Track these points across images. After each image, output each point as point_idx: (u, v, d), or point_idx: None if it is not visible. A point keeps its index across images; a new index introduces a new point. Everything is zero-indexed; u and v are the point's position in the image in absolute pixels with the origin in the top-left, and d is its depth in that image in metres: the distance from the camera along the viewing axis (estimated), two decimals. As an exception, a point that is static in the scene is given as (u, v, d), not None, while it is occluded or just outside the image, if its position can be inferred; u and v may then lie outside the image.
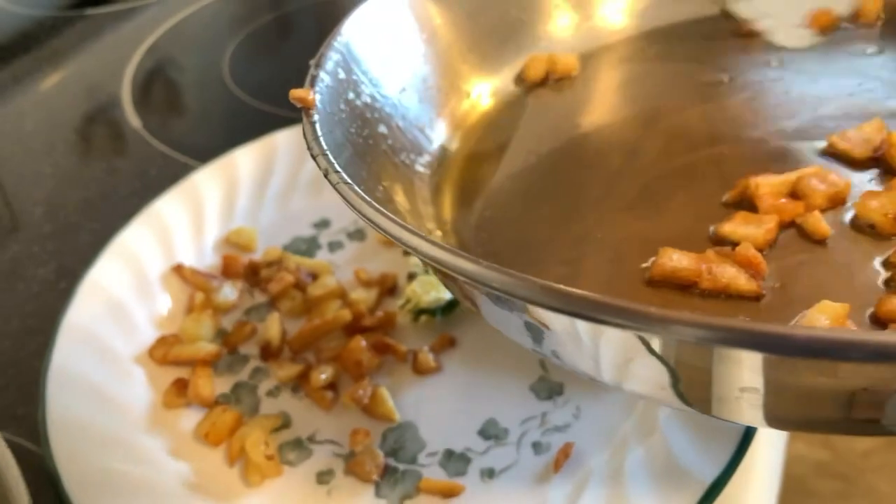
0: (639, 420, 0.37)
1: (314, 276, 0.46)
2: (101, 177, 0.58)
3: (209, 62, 0.71)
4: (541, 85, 0.45)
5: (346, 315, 0.43)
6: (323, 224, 0.51)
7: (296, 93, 0.34)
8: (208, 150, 0.60)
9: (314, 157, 0.32)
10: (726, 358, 0.23)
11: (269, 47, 0.75)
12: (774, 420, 0.26)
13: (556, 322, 0.26)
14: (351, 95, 0.38)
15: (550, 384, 0.40)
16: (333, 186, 0.30)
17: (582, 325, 0.25)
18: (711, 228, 0.33)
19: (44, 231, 0.54)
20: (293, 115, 0.59)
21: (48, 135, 0.63)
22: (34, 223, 0.55)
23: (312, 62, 0.37)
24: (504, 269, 0.23)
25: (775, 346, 0.20)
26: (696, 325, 0.20)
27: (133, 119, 0.64)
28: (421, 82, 0.43)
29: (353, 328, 0.43)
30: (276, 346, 0.43)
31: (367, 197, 0.29)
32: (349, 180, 0.30)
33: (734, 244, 0.30)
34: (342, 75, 0.38)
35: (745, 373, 0.23)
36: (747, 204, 0.33)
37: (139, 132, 0.63)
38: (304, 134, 0.33)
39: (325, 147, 0.32)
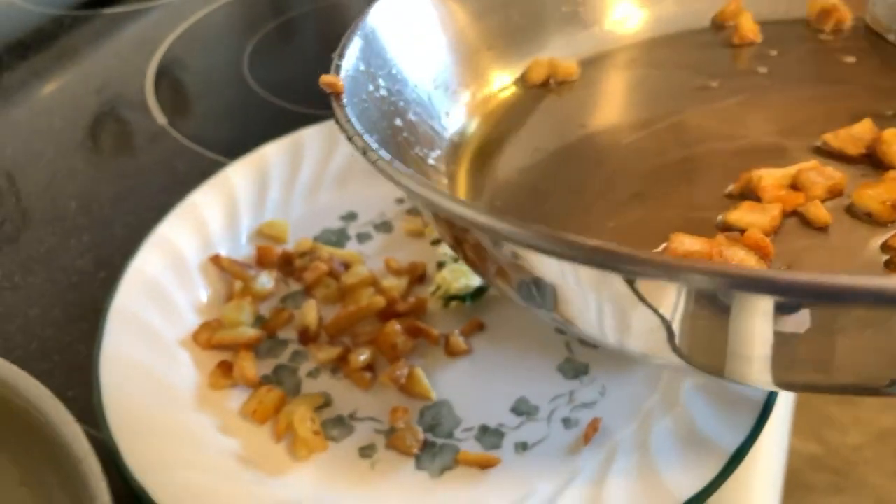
0: (662, 395, 0.40)
1: (346, 266, 0.49)
2: (131, 172, 0.60)
3: (229, 60, 0.73)
4: (542, 87, 0.48)
5: (381, 301, 0.45)
6: (350, 216, 0.53)
7: (326, 78, 0.36)
8: (233, 145, 0.62)
9: (350, 139, 0.33)
10: (742, 310, 0.25)
11: (288, 45, 0.77)
12: (783, 381, 0.28)
13: (610, 287, 0.27)
14: (371, 87, 0.40)
15: (576, 365, 0.43)
16: (373, 164, 0.32)
17: (608, 284, 0.27)
18: (719, 217, 0.35)
19: (79, 223, 0.56)
20: (312, 111, 0.62)
21: (74, 131, 0.65)
22: (69, 216, 0.57)
23: (336, 53, 0.39)
24: (541, 225, 0.25)
25: (789, 290, 0.22)
26: (717, 273, 0.23)
27: (158, 116, 0.66)
28: (437, 75, 0.45)
29: (387, 314, 0.45)
30: (314, 330, 0.45)
31: (407, 169, 0.31)
32: (387, 156, 0.32)
33: (741, 230, 0.33)
34: (362, 67, 0.40)
35: (757, 327, 0.25)
36: (750, 195, 0.36)
37: (165, 129, 0.65)
38: (337, 118, 0.35)
39: (359, 128, 0.34)
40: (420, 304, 0.46)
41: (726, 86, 0.45)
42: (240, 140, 0.63)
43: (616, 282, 0.26)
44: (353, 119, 0.34)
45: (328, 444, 0.40)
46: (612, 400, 0.40)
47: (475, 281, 0.46)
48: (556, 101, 0.47)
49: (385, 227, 0.53)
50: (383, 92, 0.40)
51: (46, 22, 0.81)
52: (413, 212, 0.53)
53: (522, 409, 0.41)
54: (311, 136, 0.56)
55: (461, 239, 0.32)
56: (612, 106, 0.47)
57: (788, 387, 0.30)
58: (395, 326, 0.44)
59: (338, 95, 0.36)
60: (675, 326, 0.27)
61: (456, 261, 0.47)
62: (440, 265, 0.48)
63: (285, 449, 0.40)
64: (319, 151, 0.56)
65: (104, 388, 0.40)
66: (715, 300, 0.26)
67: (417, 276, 0.48)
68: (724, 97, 0.44)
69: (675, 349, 0.28)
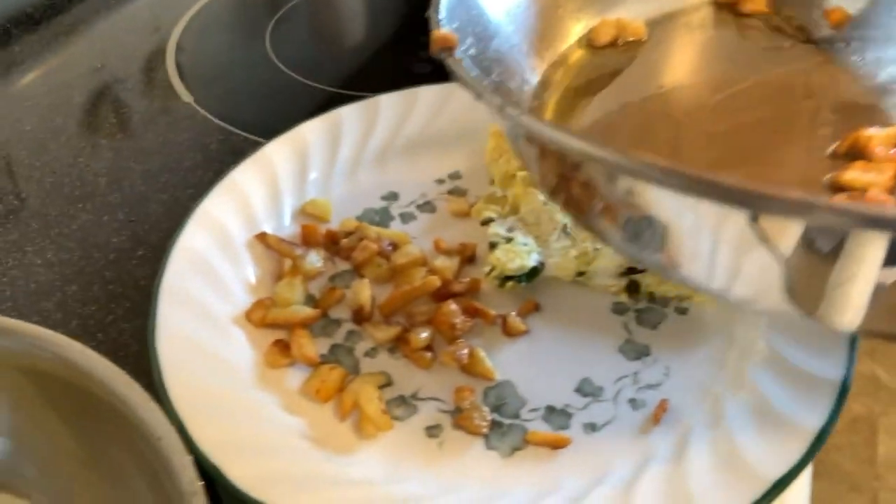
0: (730, 375, 0.40)
1: (394, 246, 0.48)
2: (159, 149, 0.59)
3: (251, 36, 0.72)
4: (609, 47, 0.47)
5: (435, 281, 0.45)
6: (392, 196, 0.53)
7: (438, 34, 0.35)
8: (262, 123, 0.61)
9: (479, 97, 0.32)
10: (857, 251, 0.25)
11: (310, 22, 0.76)
12: (868, 327, 0.28)
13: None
14: (463, 46, 0.39)
15: (637, 346, 0.43)
16: (514, 119, 0.31)
17: (731, 222, 0.27)
18: (826, 177, 0.34)
19: (111, 200, 0.54)
20: (336, 90, 0.61)
21: (94, 107, 0.64)
22: (99, 192, 0.55)
23: (431, 10, 0.38)
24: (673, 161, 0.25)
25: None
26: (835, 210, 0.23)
27: (183, 94, 0.65)
28: (518, 32, 0.44)
29: (442, 294, 0.45)
30: (368, 310, 0.44)
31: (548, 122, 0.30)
32: (522, 111, 0.31)
33: (853, 191, 0.33)
34: (455, 24, 0.39)
35: (867, 269, 0.25)
36: (857, 155, 0.35)
37: (191, 106, 0.63)
38: (458, 76, 0.34)
39: (485, 83, 0.33)
40: (474, 284, 0.46)
41: (800, 48, 0.44)
42: (267, 118, 0.62)
43: (739, 220, 0.26)
44: (475, 74, 0.33)
45: (393, 423, 0.39)
46: (678, 381, 0.41)
47: (530, 261, 0.46)
48: (628, 61, 0.46)
49: (428, 207, 0.52)
50: (472, 51, 0.39)
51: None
52: (456, 192, 0.53)
53: (587, 390, 0.41)
54: (349, 115, 0.56)
55: (569, 176, 0.32)
56: (687, 66, 0.46)
57: (870, 333, 0.30)
58: (452, 306, 0.43)
59: (451, 49, 0.35)
60: (786, 266, 0.27)
61: (509, 241, 0.47)
62: (492, 246, 0.47)
63: (350, 428, 0.39)
64: (357, 130, 0.55)
65: (164, 367, 0.39)
66: (833, 240, 0.25)
67: (468, 257, 0.48)
68: (802, 58, 0.43)
69: (783, 290, 0.28)
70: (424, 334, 0.42)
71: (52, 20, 0.75)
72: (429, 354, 0.42)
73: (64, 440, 0.33)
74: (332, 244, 0.49)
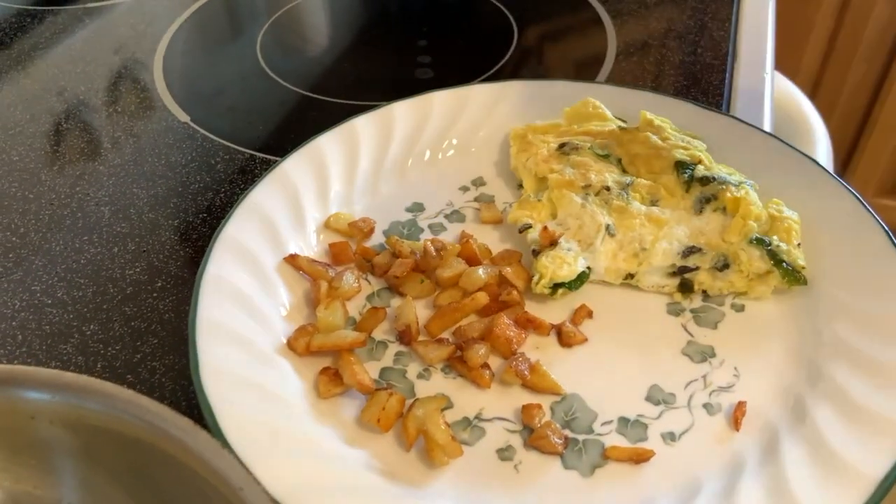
0: (805, 370, 0.38)
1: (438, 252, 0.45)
2: (163, 173, 0.56)
3: (240, 50, 0.69)
4: None
5: (483, 298, 0.43)
6: (417, 208, 0.51)
7: None
8: (264, 139, 0.58)
9: None
10: None
11: (300, 31, 0.73)
12: None
13: None
14: None
15: (701, 347, 0.41)
16: None
17: None
18: None
19: (119, 230, 0.51)
20: (338, 100, 0.59)
21: (87, 132, 0.60)
22: (105, 222, 0.52)
23: None
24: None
25: None
26: None
27: (179, 114, 0.62)
28: None
29: (489, 309, 0.43)
30: (416, 329, 0.42)
31: None
32: None
33: None
34: None
35: None
36: None
37: (190, 126, 0.60)
38: None
39: None
40: (519, 295, 0.44)
41: None
42: (270, 133, 0.59)
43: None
44: None
45: (463, 448, 0.37)
46: (750, 381, 0.39)
47: (578, 266, 0.44)
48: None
49: (457, 216, 0.50)
50: None
51: (18, 17, 0.75)
52: (484, 199, 0.51)
53: (658, 398, 0.39)
54: (364, 126, 0.53)
55: None
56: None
57: None
58: (505, 319, 0.41)
59: None
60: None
61: (552, 247, 0.45)
62: (535, 253, 0.45)
63: (417, 456, 0.37)
64: (374, 141, 0.53)
65: (215, 407, 0.36)
66: None
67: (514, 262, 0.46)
68: None
69: None
70: (482, 350, 0.40)
71: (24, 42, 0.71)
72: (488, 373, 0.40)
73: (133, 499, 0.31)
74: (365, 261, 0.47)
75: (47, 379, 0.31)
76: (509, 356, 0.41)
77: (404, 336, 0.42)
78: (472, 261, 0.45)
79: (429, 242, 0.45)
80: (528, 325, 0.42)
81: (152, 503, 0.30)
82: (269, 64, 0.67)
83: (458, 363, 0.41)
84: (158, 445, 0.30)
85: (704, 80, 0.62)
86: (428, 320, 0.43)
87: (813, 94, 1.41)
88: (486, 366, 0.40)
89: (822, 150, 0.87)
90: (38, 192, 0.55)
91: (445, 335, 0.43)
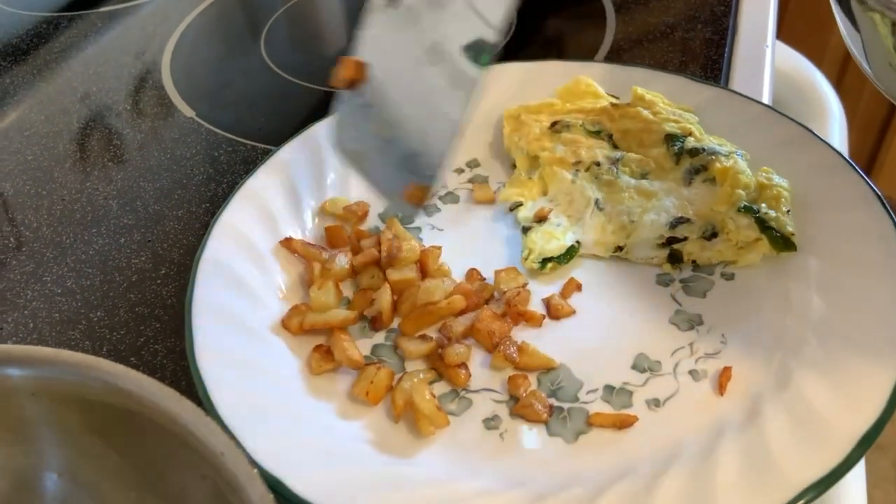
0: (791, 336, 0.38)
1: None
2: (168, 167, 0.57)
3: (245, 46, 0.70)
4: None
5: (460, 302, 0.42)
6: (413, 190, 0.51)
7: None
8: (267, 131, 0.60)
9: None
10: None
11: (303, 26, 0.74)
12: None
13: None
14: None
15: (688, 315, 0.41)
16: None
17: None
18: None
19: (125, 222, 0.53)
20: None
21: (97, 131, 0.62)
22: (112, 215, 0.54)
23: None
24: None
25: None
26: None
27: (185, 109, 0.63)
28: None
29: (473, 305, 0.43)
30: (388, 317, 0.43)
31: None
32: None
33: None
34: None
35: None
36: None
37: (194, 120, 0.62)
38: None
39: None
40: (487, 291, 0.43)
41: None
42: (272, 125, 0.61)
43: None
44: None
45: (450, 418, 0.38)
46: (736, 347, 0.39)
47: (566, 240, 0.44)
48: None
49: (451, 197, 0.51)
50: None
51: (34, 24, 0.77)
52: (478, 180, 0.52)
53: (644, 366, 0.39)
54: (360, 112, 0.54)
55: None
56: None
57: None
58: (487, 311, 0.41)
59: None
60: None
61: (541, 223, 0.46)
62: (525, 230, 0.46)
63: (406, 427, 0.38)
64: (370, 127, 0.54)
65: (208, 383, 0.37)
66: None
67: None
68: None
69: None
70: (460, 350, 0.40)
71: (41, 48, 0.73)
72: (464, 372, 0.40)
73: (118, 470, 0.32)
74: (359, 244, 0.47)
75: (45, 356, 0.33)
76: (492, 349, 0.40)
77: (375, 322, 0.43)
78: (427, 272, 0.45)
79: (390, 240, 0.45)
80: (520, 318, 0.42)
81: (139, 466, 0.32)
82: (273, 58, 0.68)
83: (437, 360, 0.40)
84: (146, 414, 0.31)
85: (703, 54, 0.62)
86: (402, 320, 0.43)
87: (838, 82, 1.39)
88: (462, 365, 0.40)
89: (836, 128, 0.86)
90: (50, 189, 0.57)
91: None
